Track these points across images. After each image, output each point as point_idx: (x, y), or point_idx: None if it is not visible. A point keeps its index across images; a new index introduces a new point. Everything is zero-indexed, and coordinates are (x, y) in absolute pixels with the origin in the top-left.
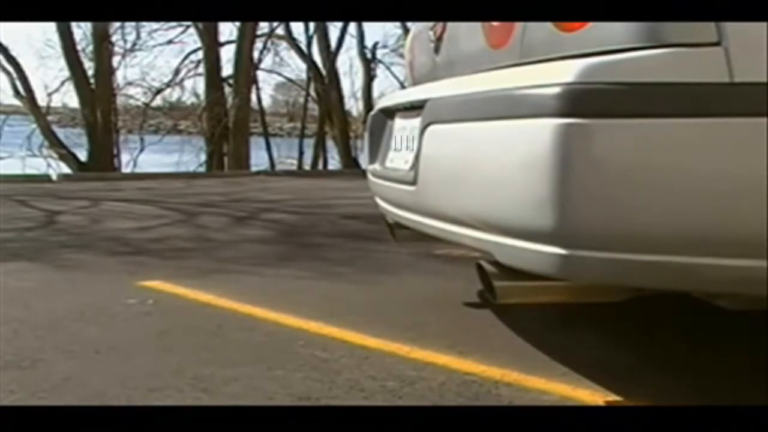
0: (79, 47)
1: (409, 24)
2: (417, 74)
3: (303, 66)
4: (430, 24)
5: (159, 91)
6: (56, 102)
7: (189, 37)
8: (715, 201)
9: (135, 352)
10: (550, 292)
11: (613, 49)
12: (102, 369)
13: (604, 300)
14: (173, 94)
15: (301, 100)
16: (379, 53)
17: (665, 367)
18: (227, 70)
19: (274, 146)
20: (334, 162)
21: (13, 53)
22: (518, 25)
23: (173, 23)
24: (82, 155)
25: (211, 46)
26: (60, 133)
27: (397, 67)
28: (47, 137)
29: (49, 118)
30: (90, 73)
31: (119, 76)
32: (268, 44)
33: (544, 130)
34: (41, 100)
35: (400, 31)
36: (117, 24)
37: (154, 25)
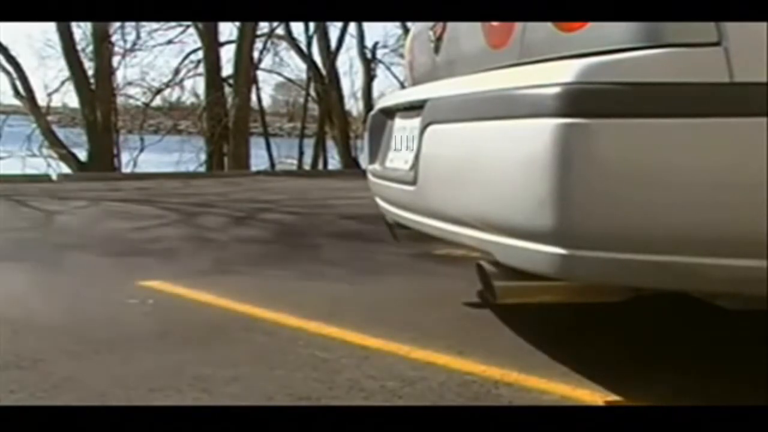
0: (79, 47)
1: (409, 24)
2: (417, 74)
3: (303, 66)
4: (430, 24)
5: (159, 91)
6: (56, 102)
7: (189, 37)
8: (714, 201)
9: (135, 352)
10: (550, 292)
11: (612, 49)
12: (102, 369)
13: (604, 300)
14: (173, 94)
15: (301, 100)
16: (379, 53)
17: (666, 367)
18: (227, 70)
19: (274, 146)
20: (334, 162)
21: (13, 53)
22: (518, 25)
23: (173, 23)
24: (82, 155)
25: (211, 46)
26: (60, 133)
27: (397, 67)
28: (47, 137)
29: (49, 118)
30: (90, 73)
31: (119, 76)
32: (268, 44)
33: (543, 130)
34: (41, 100)
35: (400, 31)
36: (117, 24)
37: (154, 25)
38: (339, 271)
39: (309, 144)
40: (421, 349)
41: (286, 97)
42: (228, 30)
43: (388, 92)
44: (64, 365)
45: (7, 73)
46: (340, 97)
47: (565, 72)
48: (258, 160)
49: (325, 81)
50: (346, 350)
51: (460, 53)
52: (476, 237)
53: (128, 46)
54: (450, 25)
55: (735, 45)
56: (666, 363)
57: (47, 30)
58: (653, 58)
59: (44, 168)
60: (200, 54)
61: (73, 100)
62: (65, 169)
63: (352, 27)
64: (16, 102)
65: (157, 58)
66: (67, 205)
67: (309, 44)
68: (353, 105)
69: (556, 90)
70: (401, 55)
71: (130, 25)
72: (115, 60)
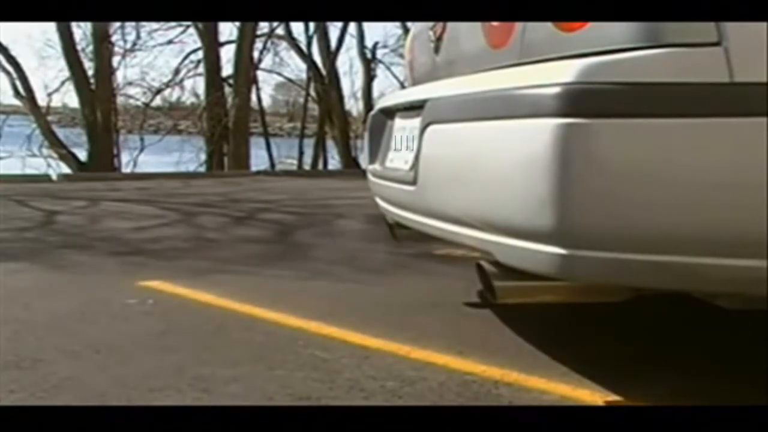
0: (79, 47)
1: (409, 24)
2: (417, 74)
3: (303, 66)
4: (430, 24)
5: (159, 91)
6: (56, 102)
7: (189, 37)
8: (714, 201)
9: (135, 352)
10: (550, 292)
11: (612, 49)
12: (102, 369)
13: (604, 300)
14: (173, 94)
15: (301, 100)
16: (379, 53)
17: (666, 367)
18: (227, 70)
19: (274, 146)
20: (334, 162)
21: (13, 53)
22: (518, 25)
23: (173, 23)
24: (82, 155)
25: (211, 46)
26: (60, 133)
27: (397, 67)
28: (47, 137)
29: (49, 118)
30: (90, 73)
31: (119, 76)
32: (268, 44)
33: (543, 130)
34: (41, 100)
35: (400, 31)
36: (117, 24)
37: (154, 25)
38: (339, 270)
39: (309, 144)
40: (421, 349)
41: (286, 97)
42: (228, 30)
43: (388, 92)
44: (64, 365)
45: (7, 73)
46: (340, 97)
47: (565, 72)
48: (258, 160)
49: (325, 81)
50: (346, 350)
51: (460, 53)
52: (476, 237)
53: (128, 46)
54: (450, 25)
55: (735, 45)
56: (666, 363)
57: (47, 30)
58: (653, 58)
59: (44, 168)
60: (200, 54)
61: (73, 100)
62: (65, 169)
63: (352, 27)
64: (16, 102)
65: (157, 58)
66: (67, 205)
67: (309, 44)
68: (353, 105)
69: (556, 90)
70: (401, 55)
71: (130, 25)
72: (115, 60)
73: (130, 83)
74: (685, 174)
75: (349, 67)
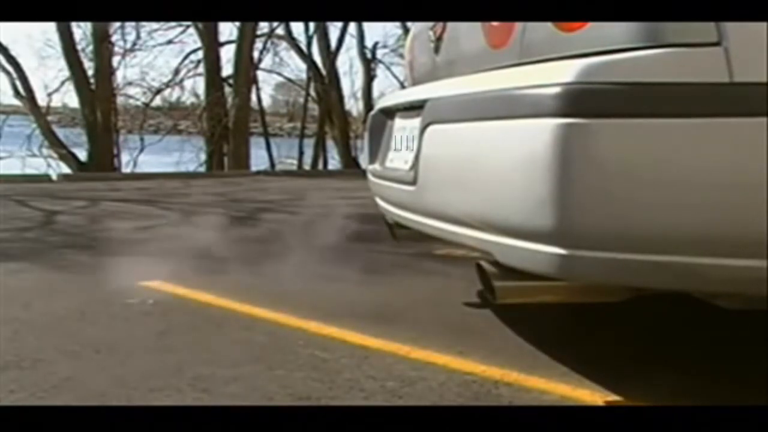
0: (79, 47)
1: (409, 24)
2: (417, 74)
3: (303, 66)
4: (430, 24)
5: (159, 91)
6: (56, 102)
7: (189, 37)
8: (714, 201)
9: (135, 352)
10: (550, 292)
11: (612, 49)
12: (102, 369)
13: (604, 300)
14: (173, 94)
15: (301, 100)
16: (379, 53)
17: (666, 367)
18: (227, 70)
19: (274, 146)
20: (334, 162)
21: (13, 53)
22: (518, 25)
23: (173, 23)
24: (82, 155)
25: (211, 46)
26: (60, 133)
27: (397, 67)
28: (47, 137)
29: (49, 118)
30: (90, 73)
31: (119, 76)
32: (268, 44)
33: (543, 130)
34: (41, 100)
35: (400, 31)
36: (117, 24)
37: (154, 25)
38: (339, 270)
39: (309, 144)
40: (421, 349)
41: (286, 97)
42: (228, 30)
43: (388, 92)
44: (64, 365)
45: (7, 73)
46: (340, 97)
47: (565, 72)
48: (258, 160)
49: (325, 81)
50: (346, 350)
51: (460, 53)
52: (476, 237)
53: (128, 46)
54: (450, 25)
55: (735, 45)
56: (666, 363)
57: (47, 30)
58: (653, 58)
59: (44, 168)
60: (200, 54)
61: (73, 100)
62: (65, 169)
63: (352, 27)
64: (16, 102)
65: (157, 58)
66: (67, 205)
67: (309, 44)
68: (353, 105)
69: (557, 90)
70: (401, 55)
71: (130, 25)
72: (115, 60)
73: (130, 83)
74: (685, 174)
75: (349, 67)
